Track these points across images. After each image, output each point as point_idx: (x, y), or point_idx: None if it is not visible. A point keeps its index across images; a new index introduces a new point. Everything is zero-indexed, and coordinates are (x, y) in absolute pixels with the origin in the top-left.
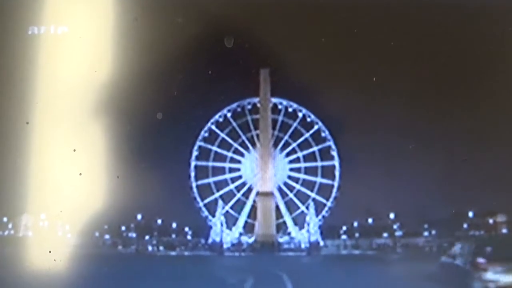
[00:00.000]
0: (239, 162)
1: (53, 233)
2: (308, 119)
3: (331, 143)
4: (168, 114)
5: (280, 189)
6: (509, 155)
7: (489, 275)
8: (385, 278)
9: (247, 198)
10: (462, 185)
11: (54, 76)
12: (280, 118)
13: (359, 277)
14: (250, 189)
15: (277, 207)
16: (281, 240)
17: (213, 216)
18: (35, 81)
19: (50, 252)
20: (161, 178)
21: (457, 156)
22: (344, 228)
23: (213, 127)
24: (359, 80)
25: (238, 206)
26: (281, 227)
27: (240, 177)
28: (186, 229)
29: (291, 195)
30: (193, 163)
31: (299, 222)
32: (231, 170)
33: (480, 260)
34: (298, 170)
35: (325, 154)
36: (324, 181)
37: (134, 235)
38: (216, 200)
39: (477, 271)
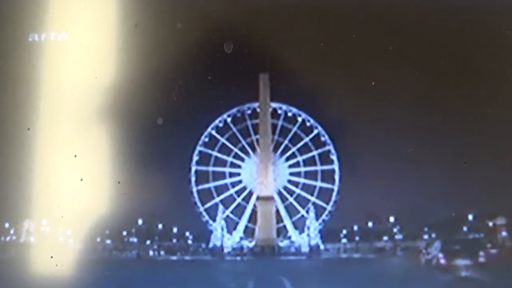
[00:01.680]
0: (239, 167)
1: (55, 238)
2: (308, 124)
3: (330, 147)
4: (168, 119)
5: (280, 194)
6: (509, 158)
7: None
8: (385, 281)
9: (247, 202)
10: (462, 188)
11: (55, 82)
12: (280, 122)
13: (359, 281)
14: (250, 194)
15: (277, 211)
16: (281, 244)
17: (214, 220)
18: (36, 88)
19: (52, 257)
20: (162, 183)
21: (457, 160)
22: (344, 231)
23: (213, 132)
24: (358, 84)
25: (239, 211)
26: (282, 231)
27: (240, 181)
28: (187, 233)
29: (291, 199)
30: (193, 168)
31: (299, 226)
32: (231, 174)
33: (423, 251)
34: (298, 174)
35: (324, 158)
36: (324, 185)
37: (135, 240)
38: (216, 204)
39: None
